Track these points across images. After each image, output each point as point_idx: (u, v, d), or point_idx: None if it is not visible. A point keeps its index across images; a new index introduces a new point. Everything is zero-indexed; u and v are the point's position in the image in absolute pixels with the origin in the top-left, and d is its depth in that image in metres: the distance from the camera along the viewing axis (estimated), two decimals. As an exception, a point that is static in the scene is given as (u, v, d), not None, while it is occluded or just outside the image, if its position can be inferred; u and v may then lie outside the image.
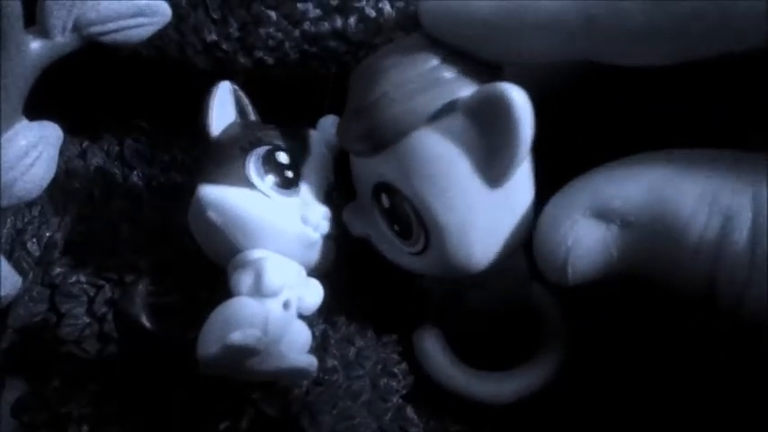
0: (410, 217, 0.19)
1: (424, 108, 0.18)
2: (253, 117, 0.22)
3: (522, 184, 0.19)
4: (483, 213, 0.19)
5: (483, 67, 0.19)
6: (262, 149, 0.20)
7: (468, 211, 0.19)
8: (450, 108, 0.18)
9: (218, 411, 0.21)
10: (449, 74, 0.18)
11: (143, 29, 0.21)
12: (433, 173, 0.18)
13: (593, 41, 0.17)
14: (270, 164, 0.20)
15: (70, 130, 0.22)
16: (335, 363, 0.21)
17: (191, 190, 0.20)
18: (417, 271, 0.21)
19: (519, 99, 0.17)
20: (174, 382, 0.21)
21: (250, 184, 0.20)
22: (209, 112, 0.21)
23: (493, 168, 0.18)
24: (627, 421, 0.21)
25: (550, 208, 0.19)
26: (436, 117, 0.18)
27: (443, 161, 0.18)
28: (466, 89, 0.18)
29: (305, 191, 0.21)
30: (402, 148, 0.18)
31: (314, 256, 0.21)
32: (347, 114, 0.20)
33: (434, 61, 0.18)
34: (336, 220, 0.21)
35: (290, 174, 0.20)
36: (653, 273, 0.18)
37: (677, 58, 0.17)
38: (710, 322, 0.19)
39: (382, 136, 0.18)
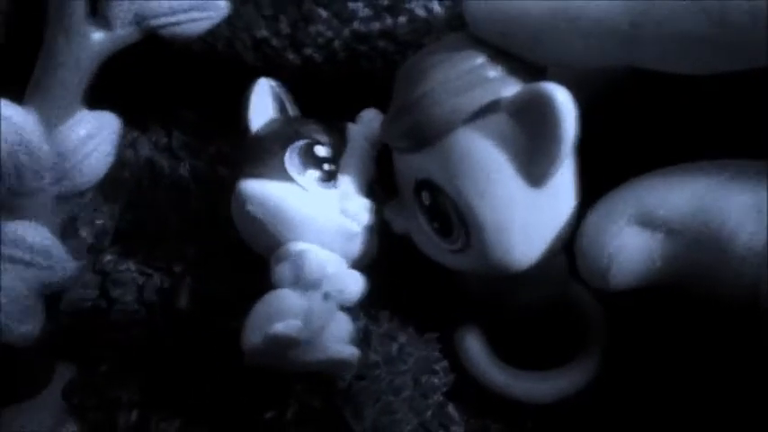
0: (450, 215, 0.19)
1: (468, 106, 0.18)
2: (291, 112, 0.22)
3: (564, 185, 0.19)
4: (524, 213, 0.19)
5: (527, 67, 0.19)
6: (300, 143, 0.21)
7: (508, 210, 0.19)
8: (493, 107, 0.18)
9: (264, 402, 0.21)
10: (493, 73, 0.18)
11: (200, 23, 0.21)
12: (475, 171, 0.18)
13: (641, 47, 0.17)
14: (309, 157, 0.20)
15: (120, 120, 0.23)
16: (378, 358, 0.22)
17: (233, 183, 0.21)
18: (457, 269, 0.21)
19: (563, 99, 0.17)
20: (219, 373, 0.21)
21: (289, 178, 0.20)
22: (249, 107, 0.21)
23: (535, 168, 0.18)
24: (665, 424, 0.21)
25: (594, 214, 0.19)
26: (479, 116, 0.18)
27: (485, 160, 0.18)
28: (510, 89, 0.18)
29: (345, 183, 0.21)
30: (444, 146, 0.19)
31: (354, 247, 0.21)
32: (391, 111, 0.20)
33: (479, 60, 0.18)
34: (378, 213, 0.21)
35: (329, 167, 0.21)
36: (696, 281, 0.18)
37: (728, 67, 0.17)
38: (752, 332, 0.19)
39: (425, 133, 0.19)
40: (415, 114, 0.19)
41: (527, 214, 0.19)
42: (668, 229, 0.18)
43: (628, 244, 0.18)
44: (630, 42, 0.17)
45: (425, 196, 0.20)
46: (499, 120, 0.18)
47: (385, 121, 0.20)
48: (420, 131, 0.19)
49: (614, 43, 0.17)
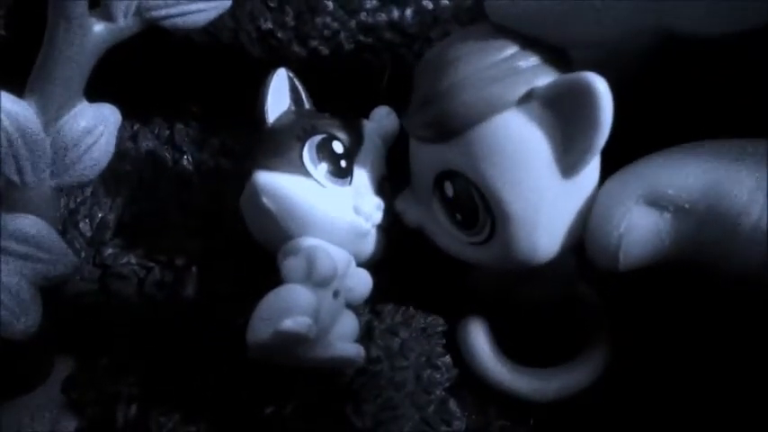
0: (477, 205, 0.19)
1: (501, 96, 0.18)
2: (307, 105, 0.22)
3: (590, 175, 0.19)
4: (552, 203, 0.19)
5: (556, 57, 0.19)
6: (317, 138, 0.20)
7: (538, 200, 0.19)
8: (526, 97, 0.18)
9: (264, 396, 0.21)
10: (525, 63, 0.18)
11: (204, 14, 0.21)
12: (507, 161, 0.18)
13: (671, 8, 0.17)
14: (324, 152, 0.20)
15: (121, 112, 0.23)
16: (380, 353, 0.21)
17: (241, 175, 0.20)
18: (474, 262, 0.21)
19: (603, 89, 0.17)
20: (219, 367, 0.21)
21: (305, 172, 0.20)
22: (266, 99, 0.21)
23: (568, 158, 0.18)
24: (669, 422, 0.21)
25: (603, 195, 0.19)
26: (511, 105, 0.18)
27: (518, 149, 0.18)
28: (542, 78, 0.18)
29: (358, 181, 0.21)
30: (475, 136, 0.18)
31: (365, 246, 0.21)
32: (415, 101, 0.20)
33: (509, 51, 0.18)
34: (388, 211, 0.21)
35: (344, 163, 0.21)
36: (704, 261, 0.18)
37: (757, 21, 0.17)
38: (757, 318, 0.19)
39: (454, 123, 0.18)
40: (442, 104, 0.19)
41: (555, 205, 0.19)
42: (677, 209, 0.18)
43: (637, 223, 0.18)
44: (660, 4, 0.17)
45: (448, 188, 0.20)
46: (532, 110, 0.18)
47: (408, 111, 0.20)
48: (448, 121, 0.19)
49: (644, 6, 0.17)
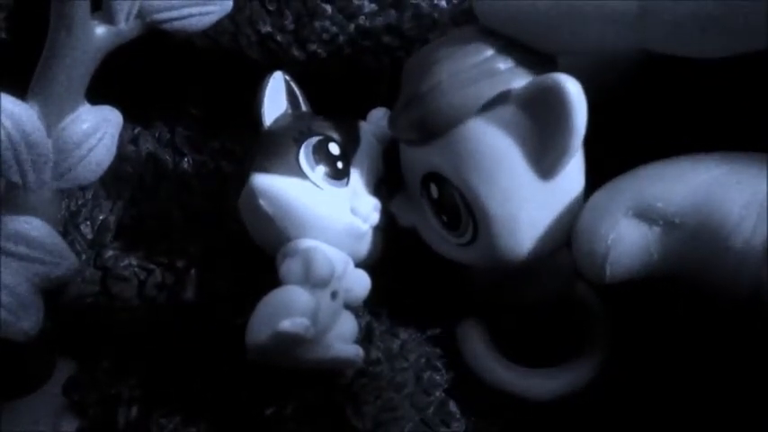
0: (459, 207, 0.19)
1: (478, 98, 0.18)
2: (304, 107, 0.22)
3: (572, 176, 0.19)
4: (533, 205, 0.19)
5: (537, 59, 0.19)
6: (313, 140, 0.20)
7: (518, 201, 0.19)
8: (503, 98, 0.18)
9: (264, 398, 0.21)
10: (503, 65, 0.18)
11: (204, 17, 0.21)
12: (485, 163, 0.18)
13: (650, 30, 0.17)
14: (321, 154, 0.20)
15: (122, 115, 0.23)
16: (379, 354, 0.22)
17: (240, 178, 0.21)
18: (464, 262, 0.21)
19: (574, 90, 0.17)
20: (220, 368, 0.21)
21: (302, 174, 0.20)
22: (263, 101, 0.21)
23: (545, 160, 0.18)
24: (668, 422, 0.21)
25: (592, 205, 0.19)
26: (489, 107, 0.18)
27: (495, 151, 0.18)
28: (520, 80, 0.18)
29: (355, 182, 0.21)
30: (454, 138, 0.18)
31: (362, 247, 0.21)
32: (400, 103, 0.20)
33: (489, 52, 0.18)
34: (385, 212, 0.21)
35: (340, 165, 0.21)
36: (693, 276, 0.18)
37: (734, 49, 0.17)
38: (750, 328, 0.18)
39: (435, 124, 0.19)
40: (424, 106, 0.19)
41: (535, 206, 0.19)
42: (667, 223, 0.18)
43: (625, 236, 0.18)
44: (640, 25, 0.17)
45: (433, 189, 0.20)
46: (509, 111, 0.18)
47: (393, 113, 0.20)
48: (429, 123, 0.19)
49: (624, 27, 0.17)
